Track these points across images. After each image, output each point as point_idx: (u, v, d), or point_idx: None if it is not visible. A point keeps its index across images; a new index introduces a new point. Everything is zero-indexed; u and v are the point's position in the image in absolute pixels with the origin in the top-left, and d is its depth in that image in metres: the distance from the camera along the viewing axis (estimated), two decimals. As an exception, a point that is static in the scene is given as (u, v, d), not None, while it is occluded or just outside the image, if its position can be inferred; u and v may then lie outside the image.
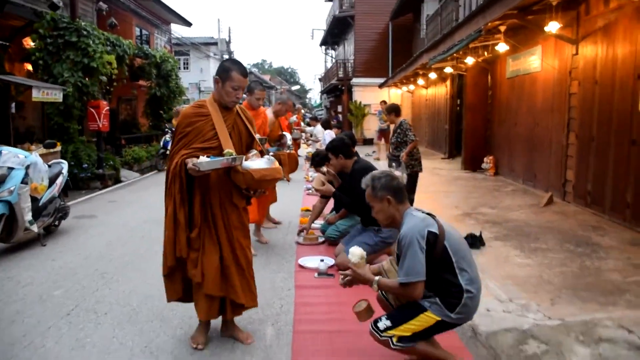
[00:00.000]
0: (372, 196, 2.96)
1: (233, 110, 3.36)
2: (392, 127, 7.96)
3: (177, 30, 26.04)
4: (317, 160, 6.65)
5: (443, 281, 2.79)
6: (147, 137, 16.75)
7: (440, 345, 3.01)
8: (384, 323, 2.83)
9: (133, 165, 13.94)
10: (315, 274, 4.78)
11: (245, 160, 3.24)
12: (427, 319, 2.79)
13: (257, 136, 4.95)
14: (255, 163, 3.23)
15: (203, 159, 3.03)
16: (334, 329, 3.49)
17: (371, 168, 5.15)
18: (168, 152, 13.82)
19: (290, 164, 6.43)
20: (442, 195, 9.08)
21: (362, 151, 17.80)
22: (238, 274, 3.29)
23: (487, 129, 12.17)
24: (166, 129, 15.29)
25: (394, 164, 7.73)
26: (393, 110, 7.77)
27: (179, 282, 3.32)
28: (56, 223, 6.73)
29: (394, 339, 2.79)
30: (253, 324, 3.74)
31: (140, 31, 19.42)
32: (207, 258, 3.21)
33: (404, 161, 7.40)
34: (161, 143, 14.71)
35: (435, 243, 2.75)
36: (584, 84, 7.40)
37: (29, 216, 5.73)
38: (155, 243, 5.87)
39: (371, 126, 23.40)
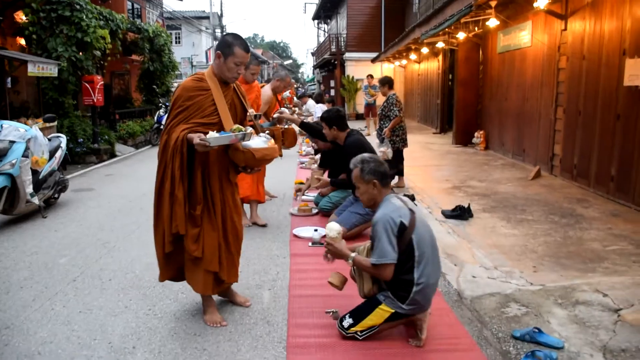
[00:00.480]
0: (360, 177, 3.12)
1: (230, 86, 3.35)
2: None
3: (168, 4, 25.77)
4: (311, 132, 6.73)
5: (397, 273, 2.96)
6: (141, 111, 16.77)
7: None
8: (347, 321, 3.06)
9: (127, 140, 14.02)
10: (309, 243, 4.98)
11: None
12: (382, 312, 3.01)
13: (251, 111, 5.08)
14: (255, 142, 3.25)
15: (212, 134, 2.99)
16: (328, 294, 3.67)
17: (364, 143, 5.32)
18: (162, 127, 13.87)
19: (288, 139, 6.44)
20: (433, 169, 9.28)
21: (354, 126, 17.94)
22: (225, 251, 3.34)
23: (478, 103, 12.32)
24: (160, 104, 15.32)
25: (378, 139, 7.86)
26: (386, 82, 7.81)
27: (175, 261, 3.31)
28: (56, 196, 6.88)
29: (359, 333, 3.03)
30: (250, 288, 3.95)
31: (132, 5, 19.27)
32: (208, 234, 3.23)
33: (387, 137, 7.53)
34: (155, 118, 14.78)
35: (402, 234, 2.92)
36: (572, 59, 7.55)
37: (30, 188, 5.88)
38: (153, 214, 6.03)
39: (363, 101, 23.45)
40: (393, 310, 3.00)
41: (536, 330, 2.99)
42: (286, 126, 6.58)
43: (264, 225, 5.67)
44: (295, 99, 16.22)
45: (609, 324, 3.19)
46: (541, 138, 8.65)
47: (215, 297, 3.59)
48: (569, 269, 4.20)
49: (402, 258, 2.94)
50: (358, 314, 3.07)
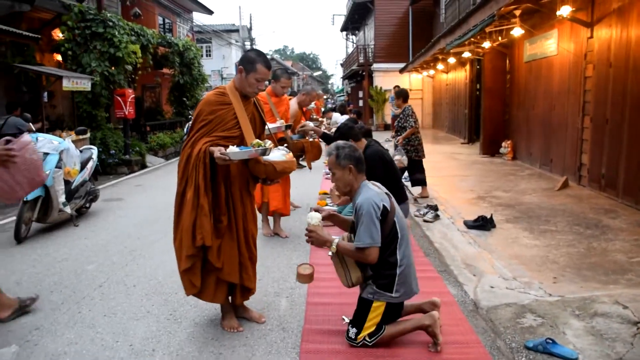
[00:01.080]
0: (336, 164, 3.18)
1: (251, 100, 3.42)
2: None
3: (198, 18, 26.35)
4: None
5: (382, 256, 3.04)
6: (171, 123, 17.17)
7: (412, 318, 3.26)
8: (352, 332, 3.12)
9: (158, 151, 14.37)
10: (329, 252, 5.02)
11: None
12: (376, 308, 3.08)
13: (280, 121, 5.18)
14: (275, 155, 3.32)
15: (233, 148, 3.07)
16: (345, 302, 3.72)
17: (383, 153, 5.35)
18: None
19: (312, 152, 6.49)
20: (457, 179, 9.24)
21: (381, 137, 17.95)
22: (250, 261, 3.42)
23: (505, 113, 12.21)
24: (190, 116, 15.65)
25: (395, 149, 8.00)
26: (401, 95, 8.00)
27: (198, 274, 3.27)
28: (87, 205, 7.13)
29: (367, 338, 3.08)
30: (268, 296, 4.04)
31: (163, 20, 19.79)
32: (228, 245, 3.28)
33: (399, 145, 7.66)
34: (185, 129, 15.08)
35: (386, 217, 3.02)
36: (599, 67, 7.45)
37: (62, 198, 6.11)
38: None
39: (390, 112, 23.42)
40: (385, 302, 3.07)
41: (549, 341, 2.98)
42: (312, 139, 6.64)
43: (285, 237, 5.75)
44: (322, 109, 16.32)
45: (627, 336, 3.14)
46: (568, 148, 8.54)
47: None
48: (590, 281, 4.15)
49: (386, 240, 3.04)
50: (357, 321, 3.13)
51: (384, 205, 3.04)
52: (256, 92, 3.36)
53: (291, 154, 3.49)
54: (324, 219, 3.23)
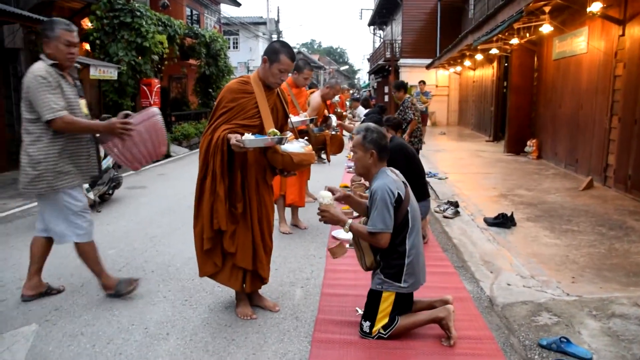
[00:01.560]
0: (360, 144, 3.18)
1: (274, 90, 3.44)
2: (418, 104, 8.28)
3: (226, 10, 26.53)
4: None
5: (392, 244, 3.06)
6: (196, 114, 17.34)
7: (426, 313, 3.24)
8: (366, 326, 3.12)
9: (182, 141, 14.54)
10: (347, 245, 5.03)
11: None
12: (386, 298, 3.09)
13: (303, 114, 5.18)
14: (293, 146, 3.33)
15: (248, 136, 3.07)
16: (359, 293, 3.72)
17: (406, 147, 5.33)
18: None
19: (333, 145, 6.48)
20: (481, 177, 9.14)
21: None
22: (263, 250, 3.43)
23: (531, 111, 12.02)
24: (215, 107, 15.77)
25: None
26: (401, 87, 7.98)
27: (220, 254, 3.36)
28: (110, 192, 7.26)
29: (382, 331, 3.09)
30: (284, 285, 4.07)
31: (191, 11, 19.95)
32: (242, 232, 3.33)
33: (406, 141, 7.62)
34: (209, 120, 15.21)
35: (400, 206, 3.03)
36: (629, 66, 7.28)
37: (86, 184, 6.23)
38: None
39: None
40: (395, 292, 3.08)
41: (564, 340, 2.95)
42: (334, 132, 6.63)
43: (304, 228, 5.78)
44: (347, 102, 16.21)
45: (645, 338, 3.09)
46: (595, 148, 8.37)
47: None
48: (610, 282, 4.07)
49: (398, 229, 3.05)
50: (369, 313, 3.13)
51: (398, 193, 3.04)
52: (279, 83, 3.37)
53: (310, 146, 3.49)
54: (338, 199, 3.29)
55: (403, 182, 3.19)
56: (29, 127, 3.48)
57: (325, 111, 6.75)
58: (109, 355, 2.98)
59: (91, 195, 6.39)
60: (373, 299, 3.14)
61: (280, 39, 35.37)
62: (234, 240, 3.32)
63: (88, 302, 3.75)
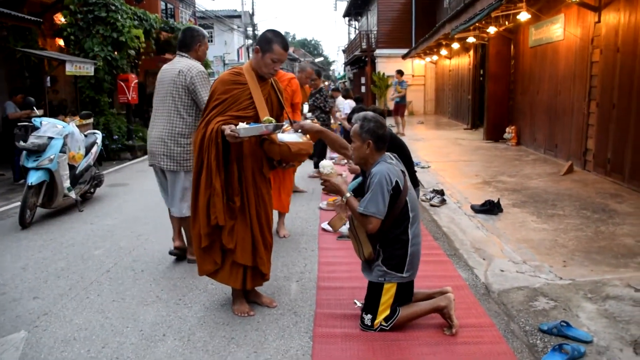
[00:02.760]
0: (357, 134, 3.14)
1: (268, 81, 3.37)
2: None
3: (201, 3, 26.17)
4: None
5: (394, 233, 3.05)
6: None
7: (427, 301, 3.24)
8: (367, 318, 3.10)
9: (160, 137, 14.30)
10: (337, 237, 5.02)
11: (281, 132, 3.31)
12: (388, 290, 3.07)
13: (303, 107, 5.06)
14: (290, 136, 3.28)
15: (242, 125, 3.01)
16: (356, 286, 3.71)
17: (394, 136, 5.29)
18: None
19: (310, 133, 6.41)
20: (462, 164, 9.20)
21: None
22: (263, 245, 3.35)
23: (509, 98, 12.13)
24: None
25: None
26: (319, 74, 8.02)
27: (219, 252, 3.29)
28: (92, 190, 7.10)
29: (384, 323, 3.07)
30: (278, 280, 4.02)
31: (165, 5, 19.63)
32: (241, 227, 3.26)
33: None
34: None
35: (398, 195, 3.01)
36: (606, 52, 7.37)
37: (67, 183, 6.08)
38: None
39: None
40: (396, 283, 3.06)
41: (564, 324, 2.96)
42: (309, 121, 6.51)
43: (283, 237, 5.18)
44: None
45: (640, 319, 3.14)
46: (574, 133, 8.48)
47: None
48: (600, 264, 4.13)
49: (398, 218, 3.04)
50: (371, 306, 3.11)
51: (397, 182, 3.01)
52: (272, 73, 3.30)
53: (308, 136, 3.41)
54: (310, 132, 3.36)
55: (402, 171, 3.15)
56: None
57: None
58: None
59: (72, 194, 6.23)
60: (374, 291, 3.11)
61: (255, 32, 35.11)
62: (232, 236, 3.25)
63: (78, 305, 3.64)
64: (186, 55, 4.25)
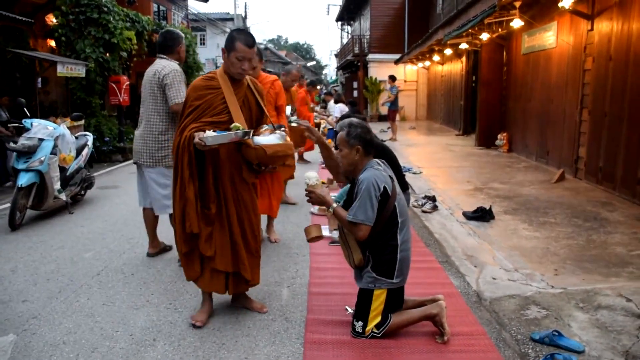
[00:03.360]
0: (345, 141, 3.14)
1: (243, 83, 3.28)
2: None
3: (193, 5, 26.14)
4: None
5: (383, 239, 3.05)
6: (166, 111, 16.99)
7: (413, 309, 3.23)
8: (359, 325, 3.08)
9: (152, 139, 14.22)
10: (329, 242, 5.00)
11: (257, 135, 3.22)
12: (378, 296, 3.06)
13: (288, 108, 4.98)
14: (267, 138, 3.20)
15: (209, 133, 2.93)
16: (347, 292, 3.69)
17: (377, 143, 5.26)
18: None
19: (293, 138, 6.07)
20: (454, 171, 9.22)
21: (376, 127, 17.89)
22: (247, 252, 3.31)
23: (501, 105, 12.19)
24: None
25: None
26: (314, 84, 7.93)
27: (198, 259, 3.27)
28: (82, 192, 7.04)
29: (375, 330, 3.05)
30: (270, 285, 3.99)
31: (158, 7, 19.57)
32: (219, 233, 3.22)
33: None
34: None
35: (386, 201, 3.00)
36: (598, 60, 7.43)
37: (57, 185, 6.03)
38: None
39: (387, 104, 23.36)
40: (386, 289, 3.05)
41: (556, 333, 2.96)
42: (294, 124, 6.23)
43: (274, 242, 5.15)
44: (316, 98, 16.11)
45: (632, 329, 3.13)
46: (565, 140, 8.53)
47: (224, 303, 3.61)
48: (591, 273, 4.14)
49: (387, 224, 3.03)
50: (361, 312, 3.09)
51: (384, 187, 3.01)
52: (241, 73, 3.18)
53: (288, 137, 3.36)
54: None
55: (390, 176, 3.14)
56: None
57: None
58: (95, 364, 2.86)
59: (63, 196, 6.18)
60: (364, 298, 3.10)
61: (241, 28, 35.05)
62: (210, 243, 3.20)
63: (67, 308, 3.60)
64: (165, 57, 4.35)
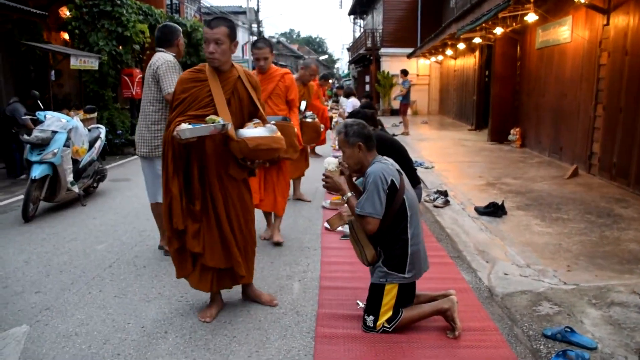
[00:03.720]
0: (345, 142, 3.14)
1: (233, 75, 3.19)
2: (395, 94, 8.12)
3: (206, -2, 26.14)
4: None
5: (393, 233, 3.04)
6: (177, 105, 17.06)
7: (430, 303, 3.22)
8: (370, 320, 3.07)
9: (164, 132, 14.29)
10: (340, 236, 5.00)
11: (244, 127, 3.15)
12: (389, 291, 3.05)
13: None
14: (252, 131, 3.08)
15: (184, 125, 2.87)
16: (358, 286, 3.69)
17: (387, 138, 5.25)
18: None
19: (307, 134, 5.92)
20: (466, 166, 9.16)
21: (388, 122, 17.83)
22: (238, 248, 3.24)
23: (515, 100, 12.08)
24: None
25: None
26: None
27: (190, 257, 3.22)
28: (95, 185, 7.10)
29: (386, 324, 3.04)
30: (281, 279, 4.00)
31: (171, 0, 19.59)
32: (207, 230, 3.15)
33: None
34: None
35: (395, 194, 2.99)
36: (614, 54, 7.33)
37: (70, 177, 6.07)
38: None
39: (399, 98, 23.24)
40: (397, 284, 3.04)
41: (568, 330, 2.94)
42: (309, 120, 6.13)
43: (276, 242, 4.82)
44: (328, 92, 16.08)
45: (645, 326, 3.11)
46: (579, 136, 8.44)
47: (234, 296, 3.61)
48: (604, 269, 4.10)
49: (396, 217, 3.02)
50: (372, 307, 3.09)
51: (392, 181, 3.00)
52: (209, 58, 3.09)
53: (278, 131, 3.21)
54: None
55: (398, 170, 3.14)
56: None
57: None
58: (106, 356, 2.88)
59: (75, 188, 6.23)
60: (375, 293, 3.10)
61: (261, 29, 35.08)
62: (199, 240, 3.14)
63: (80, 300, 3.63)
64: (163, 50, 4.42)
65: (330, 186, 3.20)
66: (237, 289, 3.61)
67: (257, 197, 4.62)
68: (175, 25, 4.59)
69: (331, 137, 12.55)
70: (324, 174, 3.20)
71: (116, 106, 11.98)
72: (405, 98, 15.23)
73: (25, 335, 3.11)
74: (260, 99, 3.39)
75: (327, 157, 3.26)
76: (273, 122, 3.46)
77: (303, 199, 6.67)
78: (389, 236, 3.05)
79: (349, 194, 3.13)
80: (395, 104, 22.96)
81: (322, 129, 6.72)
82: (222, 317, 3.35)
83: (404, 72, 15.67)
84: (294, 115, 5.01)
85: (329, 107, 13.18)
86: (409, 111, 15.18)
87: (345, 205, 3.31)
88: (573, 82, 8.75)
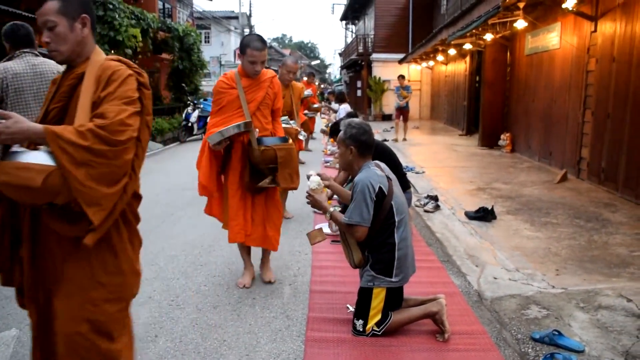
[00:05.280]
0: (341, 140, 3.21)
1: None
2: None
3: (198, 3, 26.17)
4: (333, 131, 6.67)
5: (380, 238, 3.07)
6: (170, 109, 17.06)
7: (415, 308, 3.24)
8: (359, 324, 3.10)
9: (156, 137, 14.27)
10: (331, 241, 5.01)
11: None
12: (378, 294, 3.08)
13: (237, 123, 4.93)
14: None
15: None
16: (348, 290, 3.71)
17: (376, 144, 5.23)
18: (190, 125, 13.92)
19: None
20: (457, 170, 9.22)
21: (379, 127, 17.89)
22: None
23: (505, 105, 12.18)
24: (188, 102, 15.53)
25: None
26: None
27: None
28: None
29: (375, 328, 3.07)
30: (272, 283, 4.00)
31: (163, 5, 19.62)
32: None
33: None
34: (183, 115, 14.98)
35: (382, 201, 3.03)
36: (602, 61, 7.42)
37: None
38: (178, 209, 6.18)
39: (390, 102, 23.22)
40: (385, 288, 3.07)
41: (556, 333, 2.97)
42: (284, 125, 5.50)
43: (269, 282, 4.04)
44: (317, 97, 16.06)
45: (632, 329, 3.14)
46: (568, 141, 8.52)
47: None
48: (592, 273, 4.14)
49: (384, 223, 3.05)
50: (361, 311, 3.11)
51: (380, 187, 3.03)
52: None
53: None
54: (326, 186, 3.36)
55: (387, 176, 3.17)
56: None
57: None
58: (97, 359, 2.87)
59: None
60: (364, 297, 3.12)
61: (253, 33, 35.11)
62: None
63: (70, 304, 3.62)
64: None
65: (313, 204, 3.33)
66: (230, 299, 3.61)
67: (243, 232, 3.81)
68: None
69: (322, 141, 12.60)
70: (307, 192, 3.28)
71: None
72: (407, 104, 14.78)
73: (14, 339, 3.10)
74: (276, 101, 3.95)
75: (312, 174, 3.30)
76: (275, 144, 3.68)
77: (286, 216, 5.83)
78: (376, 241, 3.08)
79: (331, 209, 3.18)
80: (388, 110, 23.03)
81: (303, 137, 6.39)
82: (212, 321, 3.35)
83: (403, 77, 15.36)
84: (278, 126, 4.15)
85: (321, 110, 13.21)
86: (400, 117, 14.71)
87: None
88: (562, 88, 8.84)
